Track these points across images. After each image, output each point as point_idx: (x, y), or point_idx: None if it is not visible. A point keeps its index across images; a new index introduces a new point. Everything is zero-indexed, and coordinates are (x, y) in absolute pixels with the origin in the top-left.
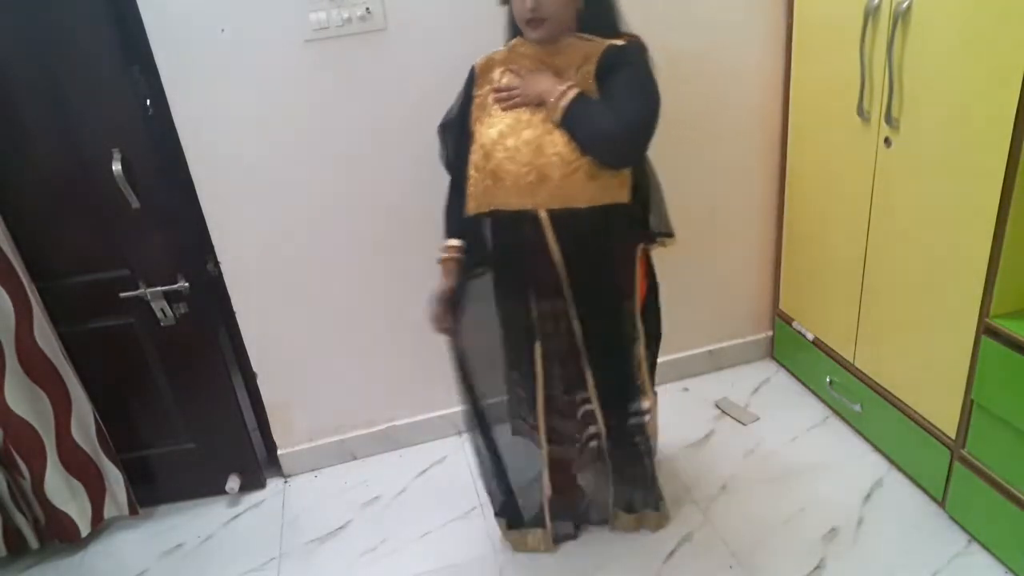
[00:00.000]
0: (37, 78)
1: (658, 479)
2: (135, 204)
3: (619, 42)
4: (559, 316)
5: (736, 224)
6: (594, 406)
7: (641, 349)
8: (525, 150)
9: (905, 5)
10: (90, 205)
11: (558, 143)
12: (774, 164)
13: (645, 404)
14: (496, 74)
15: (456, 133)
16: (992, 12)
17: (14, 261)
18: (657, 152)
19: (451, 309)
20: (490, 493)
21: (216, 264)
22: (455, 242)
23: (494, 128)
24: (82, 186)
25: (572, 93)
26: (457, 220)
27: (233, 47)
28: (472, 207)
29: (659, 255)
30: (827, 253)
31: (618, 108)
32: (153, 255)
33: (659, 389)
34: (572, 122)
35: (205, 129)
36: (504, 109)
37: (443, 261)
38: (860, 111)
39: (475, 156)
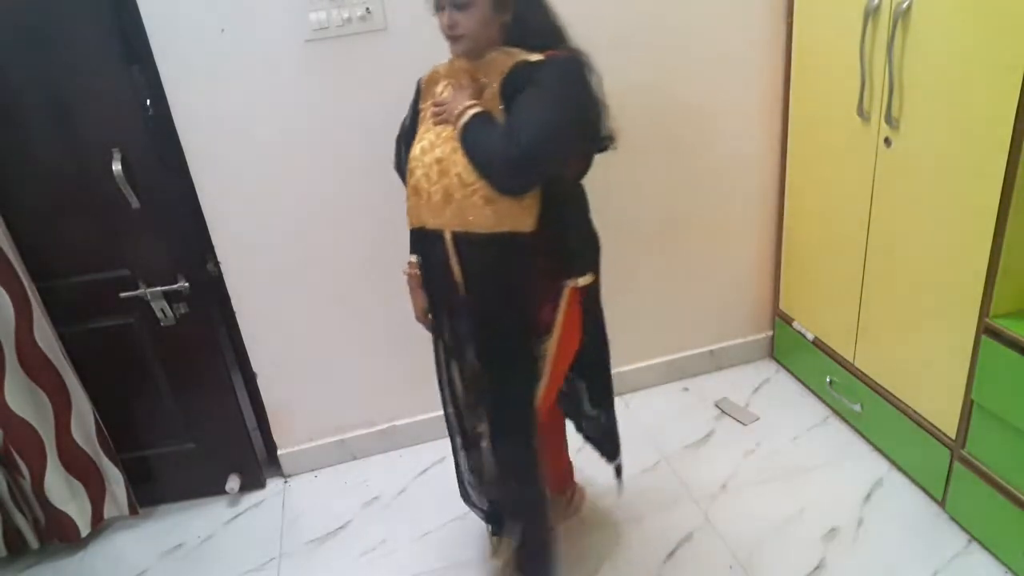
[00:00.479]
0: (37, 78)
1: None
2: (135, 204)
3: (534, 58)
4: (466, 341)
5: (736, 224)
6: (485, 444)
7: (541, 392)
8: (435, 168)
9: (905, 5)
10: (90, 205)
11: (459, 163)
12: (774, 164)
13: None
14: (439, 87)
15: (407, 145)
16: (992, 12)
17: (14, 261)
18: (657, 152)
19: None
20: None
21: (216, 264)
22: (413, 258)
23: (418, 144)
24: (82, 186)
25: (471, 112)
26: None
27: (233, 47)
28: (408, 222)
29: (659, 254)
30: (827, 253)
31: (512, 131)
32: (153, 255)
33: (660, 389)
34: (466, 143)
35: (205, 129)
36: (435, 124)
37: (407, 278)
38: (860, 111)
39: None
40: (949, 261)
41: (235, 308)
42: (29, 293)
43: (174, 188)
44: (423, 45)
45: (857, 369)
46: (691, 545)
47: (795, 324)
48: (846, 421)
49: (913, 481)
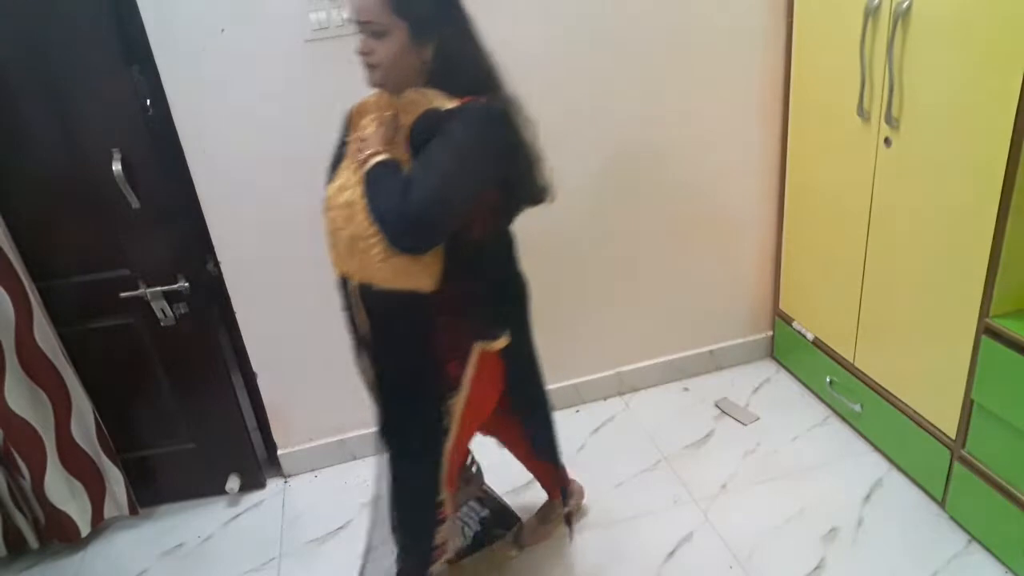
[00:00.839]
0: (37, 78)
1: None
2: (135, 204)
3: (447, 104)
4: (375, 385)
5: (736, 224)
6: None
7: (448, 450)
8: (344, 213)
9: (905, 5)
10: (90, 205)
11: (365, 211)
12: (774, 164)
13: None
14: (366, 120)
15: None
16: (992, 12)
17: (14, 261)
18: (657, 152)
19: None
20: None
21: (216, 264)
22: None
23: (335, 183)
24: (82, 186)
25: (374, 160)
26: None
27: (233, 47)
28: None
29: (659, 254)
30: (827, 253)
31: (408, 186)
32: (153, 255)
33: (660, 389)
34: (366, 192)
35: (205, 129)
36: (355, 162)
37: None
38: (860, 111)
39: None
40: (949, 261)
41: (235, 308)
42: (29, 293)
43: (174, 188)
44: None
45: (857, 369)
46: (691, 545)
47: (795, 324)
48: (846, 421)
49: (913, 481)
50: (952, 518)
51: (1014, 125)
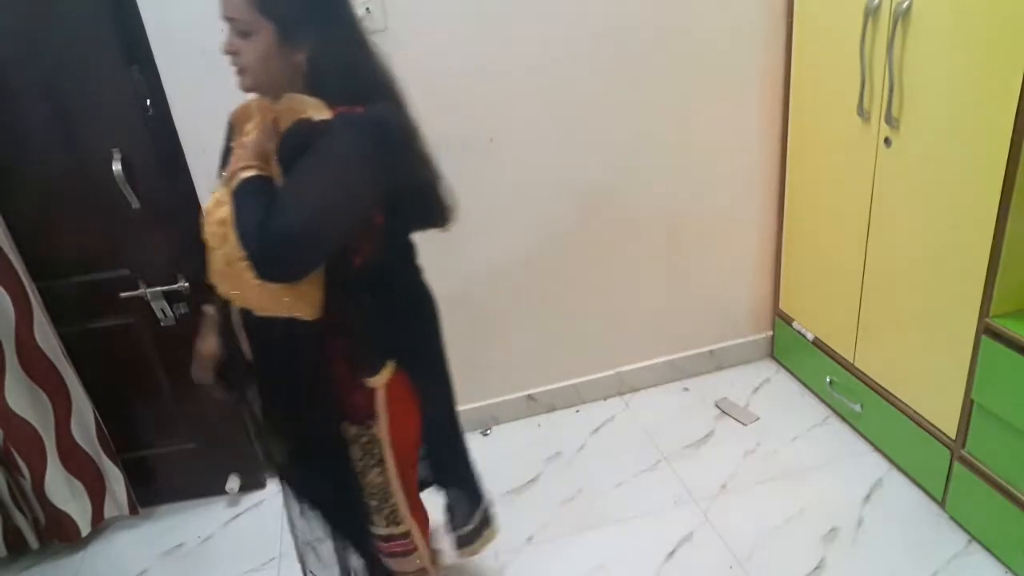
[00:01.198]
0: (37, 78)
1: None
2: (135, 204)
3: (320, 114)
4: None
5: (736, 224)
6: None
7: (376, 478)
8: (219, 231)
9: (905, 5)
10: (90, 205)
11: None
12: (774, 164)
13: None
14: (249, 126)
15: None
16: (992, 12)
17: (14, 261)
18: (657, 151)
19: None
20: None
21: None
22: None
23: (214, 195)
24: (82, 186)
25: (242, 176)
26: None
27: None
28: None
29: (659, 254)
30: (827, 253)
31: (275, 210)
32: (153, 255)
33: (660, 389)
34: (233, 212)
35: (205, 129)
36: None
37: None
38: (860, 111)
39: None
40: (949, 261)
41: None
42: (29, 293)
43: (174, 188)
44: (423, 45)
45: (857, 369)
46: (691, 545)
47: (795, 324)
48: (846, 421)
49: (913, 481)
50: (952, 518)
51: (1014, 125)
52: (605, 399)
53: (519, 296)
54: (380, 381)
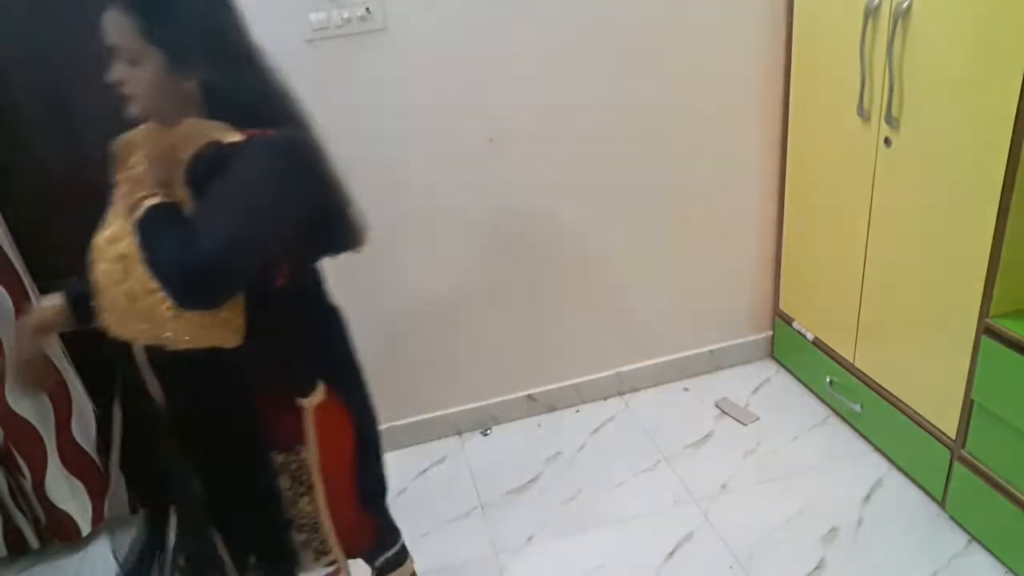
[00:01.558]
0: (38, 77)
1: None
2: None
3: (230, 137)
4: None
5: (736, 224)
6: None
7: (305, 507)
8: (117, 267)
9: (905, 5)
10: (90, 205)
11: (140, 264)
12: (774, 164)
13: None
14: (136, 158)
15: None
16: (992, 12)
17: (14, 261)
18: (657, 152)
19: None
20: None
21: None
22: (57, 298)
23: (105, 232)
24: (82, 186)
25: (147, 204)
26: None
27: None
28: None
29: (659, 254)
30: (827, 253)
31: (190, 236)
32: None
33: (660, 389)
34: (140, 243)
35: None
36: (126, 207)
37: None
38: (860, 111)
39: None
40: (949, 261)
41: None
42: (29, 293)
43: None
44: (423, 45)
45: (857, 369)
46: (691, 545)
47: (795, 324)
48: (846, 421)
49: (913, 481)
50: (952, 518)
51: (1014, 125)
52: (605, 399)
53: (519, 296)
54: (314, 401)
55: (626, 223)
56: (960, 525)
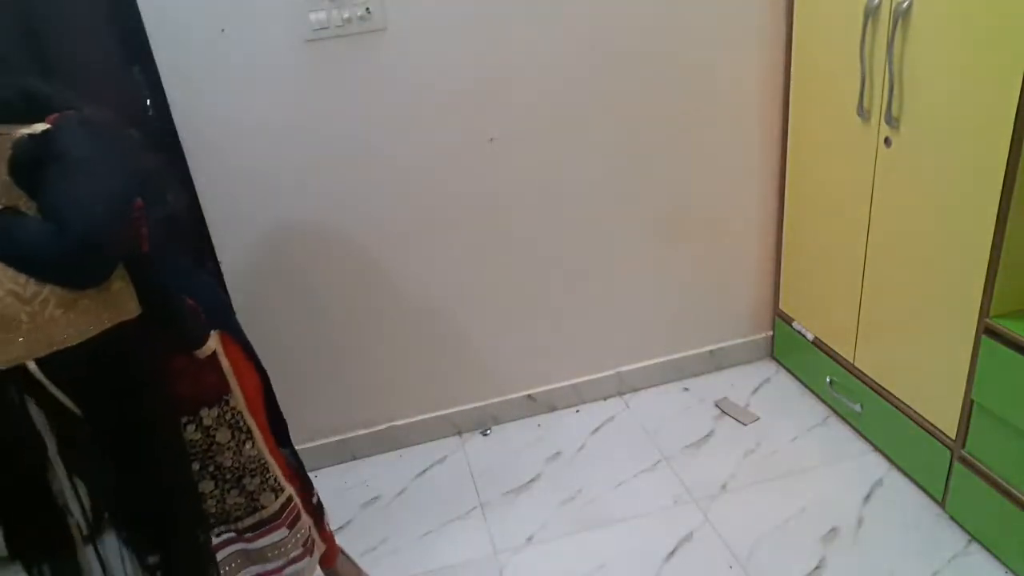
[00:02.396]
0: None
1: None
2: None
3: (37, 128)
4: (89, 470)
5: (736, 224)
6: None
7: (250, 451)
8: None
9: (905, 5)
10: None
11: (5, 280)
12: (774, 164)
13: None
14: None
15: None
16: (992, 12)
17: None
18: (657, 152)
19: None
20: None
21: (216, 264)
22: None
23: None
24: None
25: None
26: None
27: (233, 47)
28: None
29: (659, 254)
30: (827, 253)
31: (58, 217)
32: None
33: (660, 389)
34: (4, 252)
35: (205, 129)
36: None
37: None
38: (860, 111)
39: None
40: (949, 261)
41: (235, 308)
42: None
43: (174, 188)
44: (423, 45)
45: (857, 369)
46: (691, 545)
47: (795, 324)
48: (846, 421)
49: (913, 481)
50: (952, 518)
51: (1014, 125)
52: (605, 399)
53: (519, 295)
54: (215, 344)
55: (626, 222)
56: (960, 525)
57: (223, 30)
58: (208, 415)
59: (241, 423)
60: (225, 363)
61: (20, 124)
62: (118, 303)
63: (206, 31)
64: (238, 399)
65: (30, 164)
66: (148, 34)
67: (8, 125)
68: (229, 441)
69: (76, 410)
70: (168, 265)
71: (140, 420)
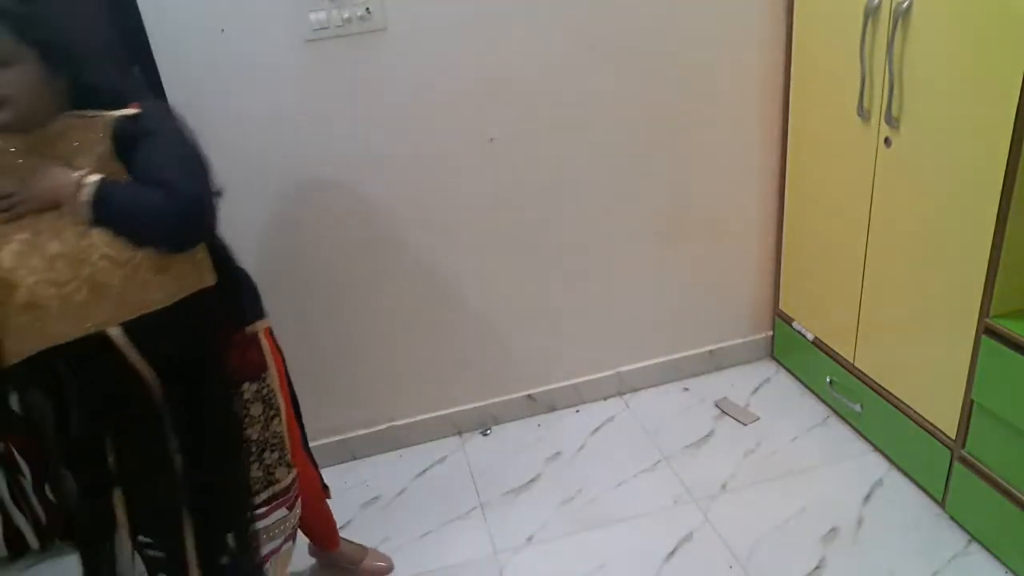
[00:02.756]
0: None
1: None
2: None
3: (130, 111)
4: (152, 447)
5: (736, 224)
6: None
7: (276, 427)
8: (61, 265)
9: (905, 5)
10: None
11: (100, 245)
12: (774, 164)
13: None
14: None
15: None
16: (992, 12)
17: None
18: (657, 152)
19: None
20: None
21: None
22: None
23: (5, 249)
24: None
25: (91, 181)
26: None
27: (233, 47)
28: (12, 354)
29: (659, 254)
30: (827, 253)
31: (164, 181)
32: None
33: (660, 389)
34: (107, 214)
35: (205, 129)
36: (6, 222)
37: None
38: (860, 111)
39: None
40: (949, 261)
41: None
42: None
43: None
44: (423, 45)
45: (857, 369)
46: (691, 545)
47: (795, 324)
48: (846, 421)
49: (913, 481)
50: (952, 518)
51: (1014, 125)
52: (605, 399)
53: (519, 295)
54: (268, 322)
55: (626, 222)
56: (960, 525)
57: (223, 30)
58: (248, 389)
59: (273, 400)
60: (267, 342)
61: (105, 110)
62: (200, 270)
63: (206, 31)
64: (273, 377)
65: (129, 139)
66: (148, 34)
67: (95, 111)
68: (260, 415)
69: (153, 379)
70: (228, 249)
71: (210, 389)
